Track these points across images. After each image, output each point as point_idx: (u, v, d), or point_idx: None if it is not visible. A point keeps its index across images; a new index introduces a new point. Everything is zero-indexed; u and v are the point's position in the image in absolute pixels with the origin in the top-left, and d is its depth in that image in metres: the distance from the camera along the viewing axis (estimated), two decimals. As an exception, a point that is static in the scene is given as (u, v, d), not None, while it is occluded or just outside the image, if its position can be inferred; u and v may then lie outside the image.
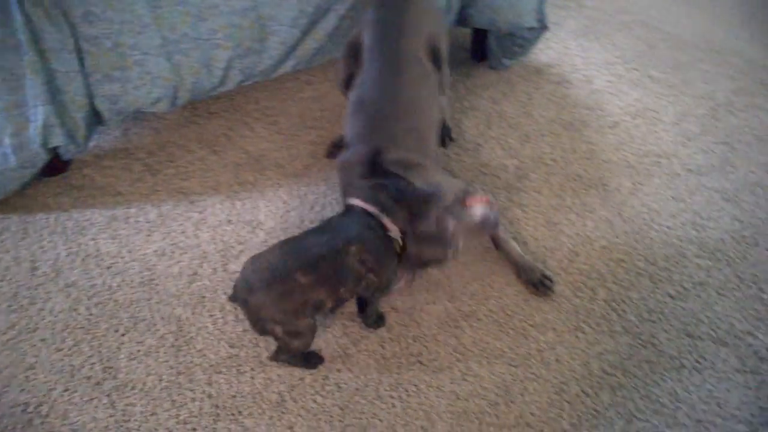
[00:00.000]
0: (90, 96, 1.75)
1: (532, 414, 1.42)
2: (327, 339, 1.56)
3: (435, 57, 1.76)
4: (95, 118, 1.84)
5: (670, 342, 1.58)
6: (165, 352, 1.53)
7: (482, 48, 2.55)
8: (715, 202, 1.97)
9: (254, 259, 1.37)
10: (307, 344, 1.42)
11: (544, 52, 2.70)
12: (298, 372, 1.49)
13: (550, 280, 1.68)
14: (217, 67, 1.89)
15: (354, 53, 1.78)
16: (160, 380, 1.48)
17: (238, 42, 1.86)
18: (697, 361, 1.54)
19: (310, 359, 1.50)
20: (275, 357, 1.47)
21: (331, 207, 1.91)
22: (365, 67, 1.71)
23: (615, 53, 2.69)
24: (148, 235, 1.81)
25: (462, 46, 2.69)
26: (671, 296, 1.69)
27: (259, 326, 1.35)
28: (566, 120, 2.27)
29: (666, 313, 1.64)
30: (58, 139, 1.73)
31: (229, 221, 1.86)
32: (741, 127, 2.27)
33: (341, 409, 1.44)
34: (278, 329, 1.33)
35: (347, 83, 1.82)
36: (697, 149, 2.17)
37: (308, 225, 1.85)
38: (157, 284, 1.68)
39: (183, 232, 1.82)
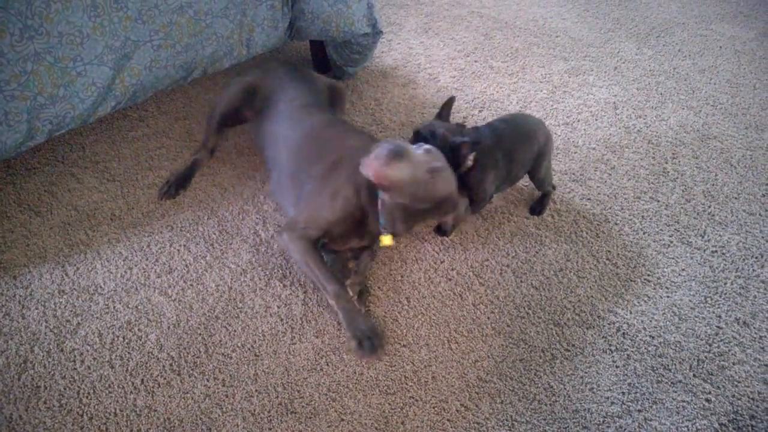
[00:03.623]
0: None
1: (414, 442, 1.36)
2: (187, 405, 1.41)
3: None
4: None
5: (540, 335, 1.58)
6: (-6, 465, 1.31)
7: (324, 59, 2.48)
8: (565, 184, 2.03)
9: None
10: None
11: (389, 54, 2.68)
12: (158, 452, 1.33)
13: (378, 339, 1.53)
14: (17, 120, 1.65)
15: (249, 99, 1.97)
16: (-9, 500, 1.26)
17: (36, 90, 1.64)
18: (567, 349, 1.55)
19: None
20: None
21: (180, 255, 1.75)
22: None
23: (456, 47, 2.71)
24: (-39, 327, 1.55)
25: (306, 58, 2.60)
26: (535, 288, 1.70)
27: None
28: (416, 122, 2.25)
29: (533, 306, 1.65)
30: None
31: (62, 291, 1.64)
32: (578, 106, 2.36)
33: (211, 484, 1.30)
34: None
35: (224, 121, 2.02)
36: (542, 134, 2.22)
37: (155, 280, 1.67)
38: (-23, 384, 1.44)
39: (6, 315, 1.58)
